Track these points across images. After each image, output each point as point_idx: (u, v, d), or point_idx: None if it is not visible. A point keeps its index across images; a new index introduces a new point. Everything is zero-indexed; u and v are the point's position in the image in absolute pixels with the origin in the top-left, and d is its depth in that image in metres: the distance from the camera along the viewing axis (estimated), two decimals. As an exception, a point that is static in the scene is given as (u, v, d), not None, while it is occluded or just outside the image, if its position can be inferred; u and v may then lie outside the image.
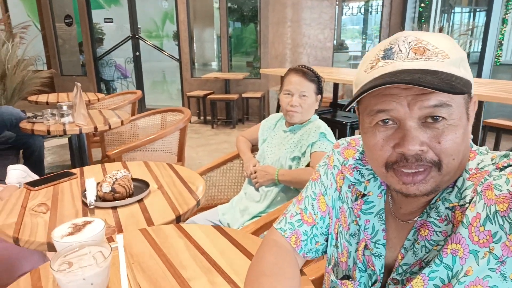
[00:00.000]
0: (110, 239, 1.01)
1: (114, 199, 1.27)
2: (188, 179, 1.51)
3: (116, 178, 1.31)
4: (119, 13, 7.68)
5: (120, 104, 3.58)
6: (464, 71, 0.56)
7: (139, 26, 6.63)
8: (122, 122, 2.58)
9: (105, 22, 7.55)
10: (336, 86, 3.95)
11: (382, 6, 6.31)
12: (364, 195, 0.73)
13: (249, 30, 7.05)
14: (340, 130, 3.03)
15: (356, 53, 9.99)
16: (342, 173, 0.77)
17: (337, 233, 0.79)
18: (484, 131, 3.55)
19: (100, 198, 1.29)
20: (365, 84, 0.58)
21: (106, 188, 1.27)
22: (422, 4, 6.37)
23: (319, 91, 1.64)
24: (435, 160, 0.56)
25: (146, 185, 1.39)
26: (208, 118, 6.09)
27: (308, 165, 1.55)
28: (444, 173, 0.57)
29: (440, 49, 0.55)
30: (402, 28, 6.11)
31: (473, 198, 0.56)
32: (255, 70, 6.51)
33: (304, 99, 1.58)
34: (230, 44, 6.27)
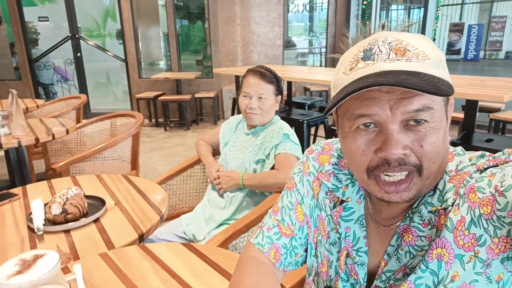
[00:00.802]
0: (65, 270, 0.90)
1: (66, 221, 1.15)
2: (147, 191, 1.41)
3: (67, 197, 1.18)
4: (55, 11, 7.14)
5: (63, 111, 3.31)
6: (443, 72, 0.55)
7: (78, 25, 6.20)
8: (67, 131, 2.37)
9: (40, 21, 6.97)
10: (290, 84, 3.99)
11: (328, 3, 6.49)
12: (342, 201, 0.71)
13: (197, 28, 6.91)
14: (297, 128, 3.04)
15: (304, 50, 10.22)
16: (318, 180, 0.75)
17: (316, 242, 0.76)
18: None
19: (50, 221, 1.15)
20: (346, 86, 0.55)
21: (56, 210, 1.14)
22: (365, 2, 6.65)
23: (279, 92, 1.61)
24: (417, 164, 0.55)
25: (102, 202, 1.27)
26: (160, 120, 5.88)
27: (273, 168, 1.52)
28: (424, 177, 0.56)
29: (420, 50, 0.54)
30: (347, 25, 6.34)
31: (455, 200, 0.56)
32: (206, 69, 6.39)
33: (263, 101, 1.55)
34: (178, 42, 6.08)
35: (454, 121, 3.65)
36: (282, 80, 1.66)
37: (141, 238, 1.11)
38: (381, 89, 0.53)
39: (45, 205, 1.20)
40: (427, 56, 0.54)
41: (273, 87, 1.57)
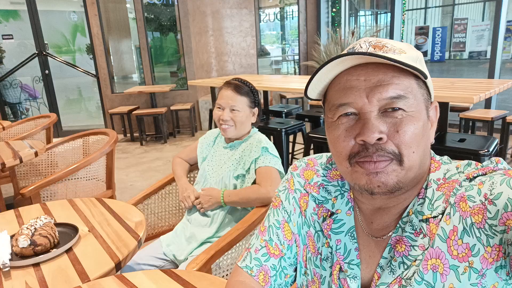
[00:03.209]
0: (35, 310, 0.83)
1: (36, 254, 1.07)
2: (123, 214, 1.34)
3: (35, 228, 1.10)
4: (20, 28, 6.89)
5: (32, 131, 3.16)
6: (420, 67, 0.58)
7: (45, 42, 6.01)
8: (36, 153, 2.26)
9: (4, 38, 6.71)
10: (266, 93, 3.98)
11: (298, 12, 6.58)
12: (332, 213, 0.70)
13: (169, 39, 6.83)
14: (275, 137, 3.03)
15: (278, 58, 10.33)
16: (305, 195, 0.74)
17: (306, 260, 0.74)
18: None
19: (17, 255, 1.07)
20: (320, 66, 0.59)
21: (24, 242, 1.06)
22: (334, 9, 6.78)
23: (254, 104, 1.59)
24: (395, 152, 0.56)
25: (75, 229, 1.20)
26: (136, 135, 5.74)
27: (254, 182, 1.48)
28: (406, 168, 0.57)
29: (398, 47, 0.59)
30: (318, 32, 6.44)
31: (445, 208, 0.56)
32: (181, 81, 6.32)
33: (235, 113, 1.53)
34: (150, 55, 5.99)
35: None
36: (258, 92, 1.64)
37: (118, 267, 1.04)
38: (358, 78, 0.57)
39: (11, 237, 1.12)
40: (403, 51, 0.59)
41: (247, 99, 1.55)
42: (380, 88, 0.56)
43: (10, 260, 1.04)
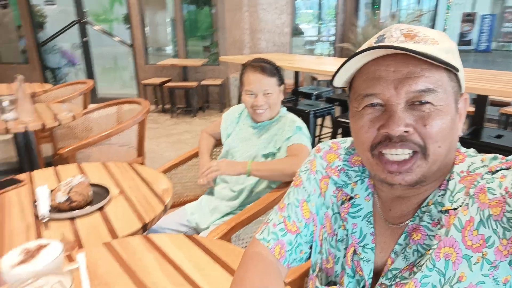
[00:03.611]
0: (70, 258, 0.91)
1: (71, 209, 1.15)
2: (152, 181, 1.41)
3: (71, 186, 1.19)
4: (62, -5, 7.08)
5: (70, 96, 3.31)
6: (453, 59, 0.57)
7: (85, 10, 6.16)
8: (73, 117, 2.38)
9: (46, 4, 6.93)
10: (297, 73, 3.94)
11: (338, -9, 6.36)
12: (351, 198, 0.71)
13: (204, 13, 6.81)
14: (303, 119, 3.01)
15: (312, 38, 10.08)
16: (326, 178, 0.75)
17: (322, 240, 0.76)
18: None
19: (55, 208, 1.16)
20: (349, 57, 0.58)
21: (61, 197, 1.15)
22: (376, -10, 6.51)
23: (281, 81, 1.56)
24: (420, 144, 0.56)
25: (106, 191, 1.27)
26: (167, 106, 5.87)
27: None
28: (430, 162, 0.56)
29: (430, 37, 0.57)
30: (357, 13, 6.22)
31: (465, 200, 0.56)
32: (213, 56, 6.33)
33: (268, 96, 1.50)
34: (185, 28, 6.02)
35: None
36: (283, 69, 1.61)
37: (145, 228, 1.11)
38: (387, 69, 0.56)
39: (51, 192, 1.21)
40: (436, 41, 0.56)
41: (276, 79, 1.53)
42: (410, 81, 0.55)
43: (49, 212, 1.13)
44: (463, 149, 0.63)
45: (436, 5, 5.74)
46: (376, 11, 6.39)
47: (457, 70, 0.55)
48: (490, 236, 0.51)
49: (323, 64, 3.61)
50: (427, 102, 0.55)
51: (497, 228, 0.50)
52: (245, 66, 1.56)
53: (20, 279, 0.65)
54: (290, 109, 3.08)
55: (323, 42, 9.81)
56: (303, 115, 3.03)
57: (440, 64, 0.53)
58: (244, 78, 1.54)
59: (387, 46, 0.54)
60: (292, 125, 1.51)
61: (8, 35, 6.52)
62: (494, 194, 0.51)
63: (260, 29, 6.22)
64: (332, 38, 7.01)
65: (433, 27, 6.53)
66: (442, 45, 0.57)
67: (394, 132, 0.55)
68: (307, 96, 3.90)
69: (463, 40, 12.66)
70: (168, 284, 0.81)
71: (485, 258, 0.51)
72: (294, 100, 3.53)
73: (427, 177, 0.58)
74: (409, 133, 0.55)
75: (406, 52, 0.54)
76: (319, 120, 3.72)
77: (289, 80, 4.77)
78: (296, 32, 9.34)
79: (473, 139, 2.19)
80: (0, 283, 1.30)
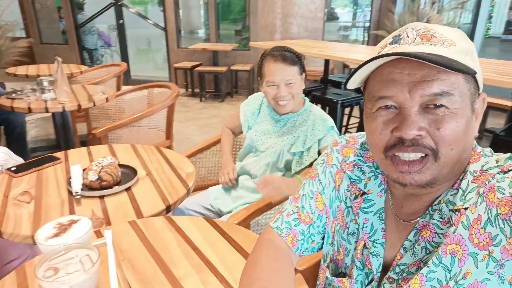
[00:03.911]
0: (98, 234, 0.98)
1: (101, 188, 1.23)
2: (177, 164, 1.47)
3: (102, 166, 1.26)
4: (100, -23, 7.26)
5: (104, 78, 3.44)
6: (471, 61, 0.56)
7: (122, -8, 6.31)
8: (107, 99, 2.49)
9: (86, -14, 7.14)
10: (327, 61, 3.87)
11: (375, -25, 6.11)
12: (364, 193, 0.72)
13: (237, -5, 6.78)
14: (331, 108, 2.99)
15: (347, 24, 9.78)
16: (341, 172, 0.76)
17: (334, 232, 0.78)
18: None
19: (87, 186, 1.25)
20: (365, 62, 0.58)
21: (93, 176, 1.23)
22: (416, -26, 6.19)
23: (302, 69, 1.49)
24: (432, 147, 0.56)
25: (134, 172, 1.35)
26: (196, 90, 5.96)
27: (311, 163, 1.47)
28: (441, 164, 0.56)
29: (447, 38, 0.56)
30: (394, 0, 5.97)
31: (475, 199, 0.56)
32: (244, 41, 6.32)
33: (291, 86, 1.44)
34: (217, 11, 6.03)
35: (502, 109, 3.43)
36: (303, 56, 1.53)
37: (168, 209, 1.17)
38: (402, 71, 0.56)
39: (83, 170, 1.29)
40: (453, 43, 0.55)
41: (297, 67, 1.45)
42: (424, 84, 0.54)
43: (81, 190, 1.22)
44: (479, 149, 0.63)
45: (482, -9, 5.40)
46: (416, -3, 6.10)
47: (474, 72, 0.54)
48: (497, 234, 0.51)
49: (355, 52, 3.52)
50: (442, 105, 0.55)
51: (504, 227, 0.50)
52: (264, 56, 1.50)
53: (53, 250, 0.72)
54: (317, 98, 3.08)
55: (357, 27, 9.50)
56: (330, 105, 3.00)
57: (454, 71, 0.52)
58: (265, 69, 1.48)
59: (400, 54, 0.54)
60: (324, 125, 1.46)
61: (49, 16, 6.81)
62: (504, 194, 0.51)
63: (292, 14, 6.12)
64: (368, 24, 6.79)
65: (477, 14, 6.18)
66: (459, 46, 0.56)
67: (408, 135, 0.55)
68: (336, 84, 3.83)
69: (510, 29, 11.86)
70: (185, 263, 0.86)
71: (491, 256, 0.51)
72: (322, 89, 3.49)
73: (438, 179, 0.58)
74: (422, 137, 0.56)
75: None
76: (346, 110, 3.67)
77: (320, 68, 4.70)
78: (331, 17, 9.09)
79: (508, 135, 2.10)
80: (36, 253, 1.42)
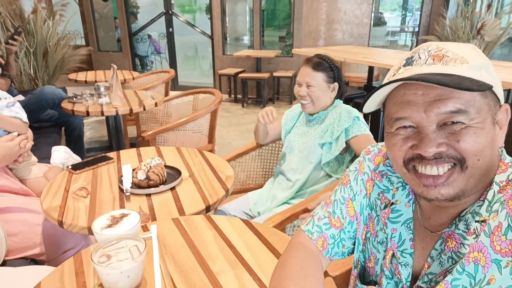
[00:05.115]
0: (144, 228, 1.07)
1: (149, 186, 1.34)
2: (218, 167, 1.55)
3: (150, 166, 1.37)
4: (152, -13, 7.69)
5: (154, 84, 3.66)
6: (487, 75, 0.57)
7: (172, 2, 6.63)
8: (156, 104, 2.65)
9: (140, -4, 7.60)
10: (371, 67, 3.81)
11: (426, -22, 5.91)
12: (392, 203, 0.73)
13: (282, 2, 6.86)
14: (373, 116, 2.95)
15: (395, 29, 9.50)
16: (372, 180, 0.78)
17: (365, 239, 0.80)
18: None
19: (136, 184, 1.36)
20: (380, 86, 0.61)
21: (141, 176, 1.34)
22: (471, -24, 5.89)
23: (332, 79, 1.60)
24: (457, 157, 0.56)
25: (178, 173, 1.44)
26: (239, 96, 6.10)
27: (341, 152, 1.54)
28: (468, 174, 0.57)
29: (459, 55, 0.57)
30: (446, 3, 5.73)
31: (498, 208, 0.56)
32: (287, 48, 6.38)
33: (311, 89, 1.58)
34: (262, 18, 6.14)
35: None
36: (339, 65, 1.64)
37: (208, 209, 1.25)
38: (416, 92, 0.57)
39: (133, 170, 1.41)
40: (465, 60, 0.56)
41: (323, 74, 1.58)
42: (439, 103, 0.56)
43: (131, 188, 1.33)
44: (508, 159, 0.62)
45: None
46: (470, 0, 5.80)
47: (487, 88, 0.54)
48: None
49: (399, 59, 3.44)
50: (459, 122, 0.56)
51: None
52: (303, 61, 1.67)
53: (106, 239, 0.81)
54: (359, 105, 3.04)
55: (406, 32, 9.20)
56: (373, 112, 2.95)
57: (465, 90, 0.53)
58: (298, 72, 1.67)
59: (406, 79, 0.55)
60: (350, 115, 1.54)
61: (106, 25, 7.33)
62: None
63: (337, 20, 6.08)
64: (417, 29, 6.56)
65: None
66: (472, 62, 0.56)
67: (427, 153, 0.57)
68: (380, 91, 3.75)
69: None
70: (221, 258, 0.92)
71: None
72: (365, 96, 3.43)
73: (465, 191, 0.59)
74: (444, 151, 0.57)
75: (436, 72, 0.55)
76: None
77: (364, 74, 4.63)
78: (379, 22, 8.88)
79: None
80: (89, 244, 1.55)
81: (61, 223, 1.17)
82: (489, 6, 5.15)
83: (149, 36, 7.55)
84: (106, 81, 2.96)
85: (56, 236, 1.43)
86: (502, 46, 5.13)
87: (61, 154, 1.79)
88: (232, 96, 6.21)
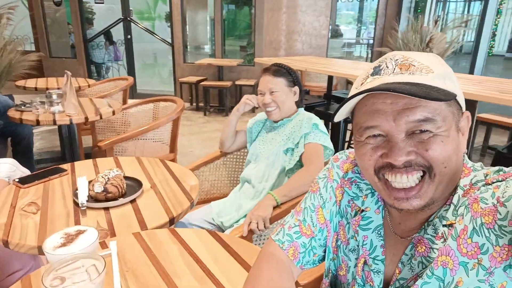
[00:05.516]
0: (103, 245, 1.00)
1: (107, 200, 1.25)
2: (181, 177, 1.49)
3: (108, 178, 1.29)
4: (110, -7, 7.46)
5: (111, 91, 3.50)
6: (450, 84, 0.59)
7: (130, 8, 6.46)
8: (113, 112, 2.53)
9: (96, 2, 7.33)
10: (330, 77, 3.92)
11: (379, -6, 6.23)
12: (362, 210, 0.73)
13: (243, 13, 6.92)
14: (333, 124, 3.02)
15: (351, 41, 9.91)
16: (341, 187, 0.78)
17: (335, 247, 0.79)
18: (476, 125, 3.60)
19: (92, 198, 1.27)
20: (349, 97, 0.61)
21: (98, 188, 1.25)
22: (419, -7, 6.30)
23: (292, 83, 1.66)
24: (425, 165, 0.58)
25: (139, 184, 1.37)
26: (201, 105, 6.03)
27: (301, 157, 1.56)
28: (437, 182, 0.58)
29: (425, 65, 0.59)
30: (398, 17, 6.07)
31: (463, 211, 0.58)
32: (248, 57, 6.42)
33: (274, 94, 1.61)
34: (223, 28, 6.15)
35: (504, 127, 3.46)
36: (296, 72, 1.71)
37: (172, 222, 1.19)
38: (385, 101, 0.59)
39: (89, 182, 1.32)
40: (431, 70, 0.58)
41: (284, 79, 1.63)
42: (407, 111, 0.57)
43: (87, 201, 1.24)
44: (470, 164, 0.64)
45: (484, 10, 5.47)
46: (419, 15, 6.18)
47: (452, 97, 0.57)
48: (484, 243, 0.52)
49: (357, 69, 3.57)
50: (427, 131, 0.57)
51: (489, 235, 0.52)
52: (262, 71, 1.71)
53: (60, 260, 0.74)
54: (320, 113, 3.10)
55: (361, 44, 9.62)
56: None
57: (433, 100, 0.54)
58: (259, 82, 1.70)
59: (376, 89, 0.57)
60: (309, 122, 1.58)
61: (59, 31, 6.97)
62: (487, 204, 0.53)
63: (297, 31, 6.23)
64: (371, 41, 6.88)
65: (480, 33, 6.23)
66: (437, 71, 0.58)
67: (397, 162, 0.58)
68: (339, 100, 3.87)
69: (513, 47, 11.93)
70: (188, 274, 0.87)
71: (480, 264, 0.53)
72: (325, 104, 3.52)
73: (434, 199, 0.60)
74: (413, 160, 0.58)
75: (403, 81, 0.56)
76: (349, 126, 3.69)
77: (323, 83, 4.76)
78: (335, 34, 9.21)
79: (510, 153, 2.11)
80: (39, 265, 1.43)
81: (6, 243, 1.06)
82: (436, 21, 5.52)
83: (113, 43, 7.29)
84: (59, 88, 2.79)
85: (0, 257, 1.30)
86: (448, 59, 5.50)
87: (7, 167, 1.63)
88: (194, 104, 6.12)
